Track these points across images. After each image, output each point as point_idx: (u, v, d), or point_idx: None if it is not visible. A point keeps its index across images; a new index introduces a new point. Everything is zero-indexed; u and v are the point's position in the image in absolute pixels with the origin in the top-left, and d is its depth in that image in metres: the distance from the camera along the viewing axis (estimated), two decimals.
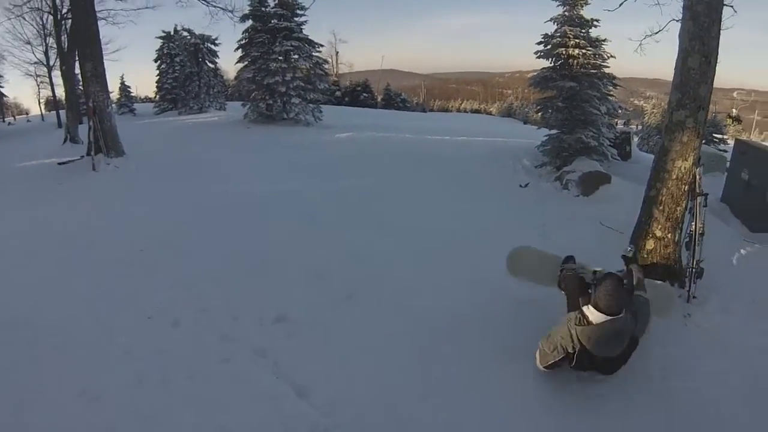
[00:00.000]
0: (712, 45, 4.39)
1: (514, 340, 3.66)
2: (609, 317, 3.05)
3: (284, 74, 16.16)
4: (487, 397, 3.21)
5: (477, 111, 53.23)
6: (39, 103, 33.01)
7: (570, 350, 3.14)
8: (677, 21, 4.65)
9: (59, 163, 10.03)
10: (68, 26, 16.02)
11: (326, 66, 18.80)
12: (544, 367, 3.30)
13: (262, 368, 3.43)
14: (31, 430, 2.87)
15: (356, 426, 2.94)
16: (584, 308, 3.17)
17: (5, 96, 24.57)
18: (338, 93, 38.52)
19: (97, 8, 10.84)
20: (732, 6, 5.25)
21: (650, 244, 4.59)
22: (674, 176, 4.47)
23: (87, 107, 10.38)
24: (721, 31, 4.49)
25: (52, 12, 17.41)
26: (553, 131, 10.12)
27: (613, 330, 3.08)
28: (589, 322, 3.09)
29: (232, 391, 3.19)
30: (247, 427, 2.91)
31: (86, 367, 3.40)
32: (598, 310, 3.07)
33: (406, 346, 3.69)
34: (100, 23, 10.91)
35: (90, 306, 4.22)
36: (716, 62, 4.46)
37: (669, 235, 4.58)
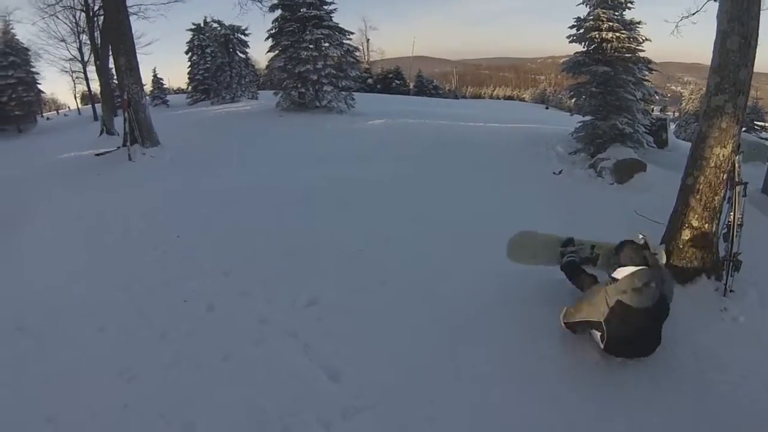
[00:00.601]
0: (752, 25, 4.19)
1: (543, 324, 3.66)
2: (637, 268, 3.23)
3: (315, 62, 16.25)
4: (516, 379, 3.22)
5: (510, 97, 52.54)
6: (75, 97, 34.25)
7: (595, 318, 3.22)
8: (715, 1, 4.45)
9: (96, 155, 10.41)
10: (100, 22, 16.46)
11: (357, 53, 18.82)
12: (564, 324, 3.41)
13: (295, 350, 3.51)
14: (73, 409, 2.99)
15: (386, 407, 2.99)
16: (614, 274, 3.33)
17: (43, 93, 25.36)
18: (370, 80, 38.61)
19: (128, 3, 11.14)
20: None
21: (686, 234, 4.45)
22: (712, 164, 4.31)
23: (122, 100, 10.70)
24: (762, 11, 4.29)
25: (84, 9, 17.95)
26: (587, 117, 9.91)
27: (644, 276, 3.20)
28: (619, 279, 3.26)
29: (265, 373, 3.28)
30: (280, 408, 2.98)
31: (123, 349, 3.55)
32: (624, 266, 3.28)
33: (435, 331, 3.70)
34: (132, 18, 11.23)
35: (127, 290, 4.41)
36: (756, 44, 4.26)
37: (706, 225, 4.43)
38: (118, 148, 10.52)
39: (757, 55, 4.30)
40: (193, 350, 3.53)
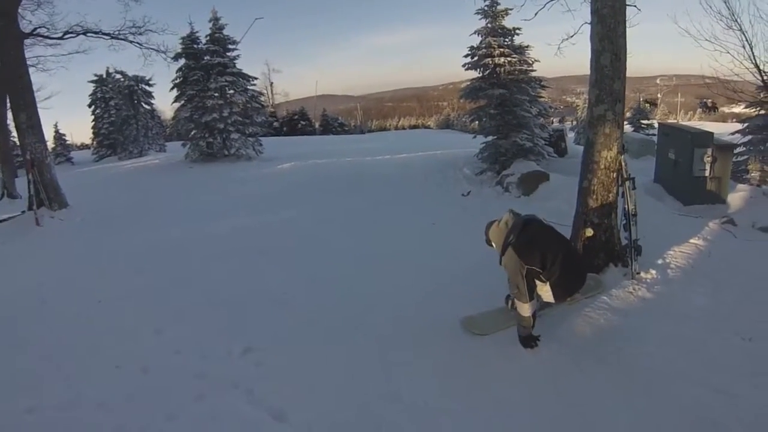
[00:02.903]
0: (620, 43, 4.85)
1: (472, 336, 4.02)
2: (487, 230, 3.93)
3: (221, 110, 16.13)
4: (450, 388, 3.42)
5: (415, 126, 53.73)
6: None
7: (523, 271, 3.60)
8: (589, 24, 5.09)
9: None
10: None
11: (262, 98, 18.86)
12: (529, 300, 3.66)
13: (238, 399, 3.47)
14: None
15: None
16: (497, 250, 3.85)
17: None
18: (276, 124, 38.55)
19: (26, 56, 10.49)
20: (635, 6, 5.84)
21: (589, 232, 4.94)
22: (602, 166, 4.86)
23: (24, 160, 10.00)
24: (629, 29, 4.96)
25: None
26: (489, 138, 10.54)
27: (493, 221, 3.88)
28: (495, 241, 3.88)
29: (211, 427, 3.21)
30: None
31: (60, 427, 3.32)
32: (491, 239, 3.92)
33: (370, 359, 3.84)
34: (30, 70, 10.52)
35: (56, 364, 4.10)
36: (626, 58, 4.92)
37: (605, 221, 4.96)
38: (23, 212, 9.75)
39: (634, 64, 4.97)
40: (135, 417, 3.36)
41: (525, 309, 3.67)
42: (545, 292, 3.73)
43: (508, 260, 3.69)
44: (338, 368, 3.75)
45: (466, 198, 8.91)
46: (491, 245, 3.97)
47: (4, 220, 9.58)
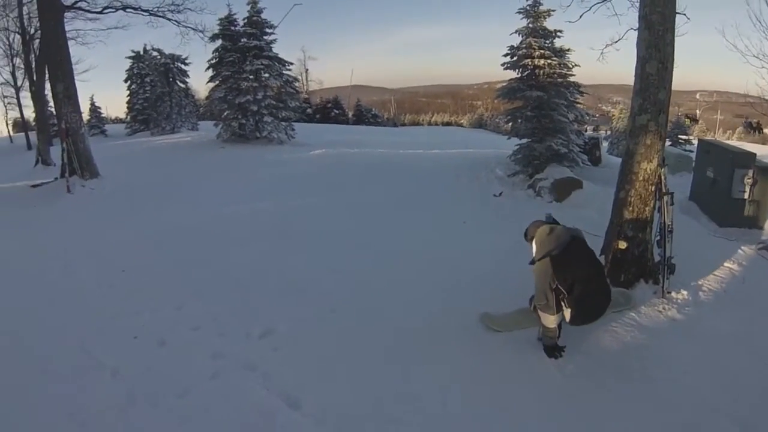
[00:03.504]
0: (668, 51, 4.65)
1: (492, 337, 3.93)
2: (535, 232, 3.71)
3: (255, 93, 16.19)
4: (468, 393, 3.32)
5: (448, 123, 53.46)
6: (6, 124, 32.14)
7: (552, 284, 3.48)
8: (635, 30, 4.92)
9: (32, 186, 9.85)
10: (36, 46, 15.78)
11: (297, 84, 18.88)
12: (557, 312, 3.55)
13: (253, 382, 3.45)
14: None
15: (349, 429, 3.01)
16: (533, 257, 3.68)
17: None
18: (309, 110, 38.56)
19: (66, 28, 10.73)
20: (685, 14, 5.61)
21: (623, 244, 4.77)
22: (641, 178, 4.68)
23: (59, 129, 10.24)
24: (677, 38, 4.76)
25: (19, 31, 17.06)
26: (524, 140, 10.32)
27: (544, 227, 3.69)
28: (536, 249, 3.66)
29: (224, 407, 3.20)
30: None
31: (73, 391, 3.36)
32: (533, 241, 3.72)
33: (388, 352, 3.80)
34: (69, 43, 10.76)
35: (75, 329, 4.18)
36: (673, 67, 4.72)
37: (640, 235, 4.78)
38: (56, 179, 10.02)
39: (675, 76, 4.75)
40: (147, 388, 3.38)
41: (550, 321, 3.58)
42: (565, 313, 3.62)
43: (541, 269, 3.58)
44: (354, 361, 3.69)
45: (498, 199, 8.76)
46: (529, 242, 3.87)
47: (38, 185, 9.85)
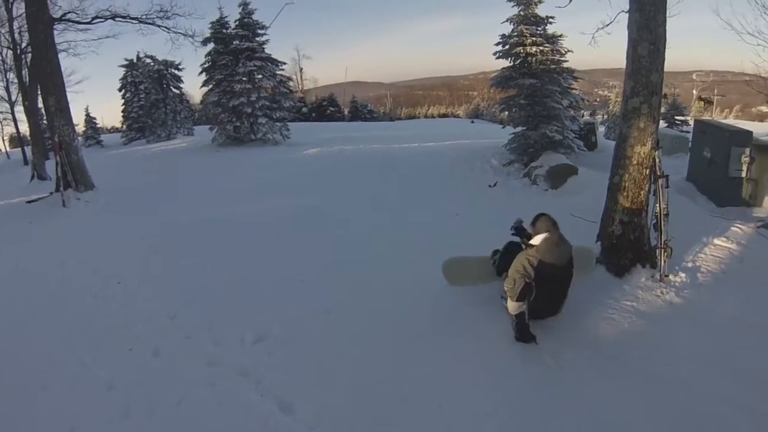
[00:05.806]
0: (659, 32, 4.58)
1: (491, 333, 3.86)
2: (547, 233, 3.64)
3: (249, 95, 16.21)
4: (464, 391, 3.28)
5: (444, 115, 53.56)
6: (2, 140, 32.20)
7: (528, 279, 3.57)
8: (626, 12, 4.83)
9: (28, 202, 9.82)
10: (28, 60, 15.77)
11: (291, 83, 18.93)
12: (517, 300, 3.60)
13: (247, 388, 3.42)
14: None
15: None
16: (530, 242, 3.75)
17: None
18: (304, 109, 38.56)
19: (57, 40, 10.73)
20: None
21: (618, 230, 4.72)
22: (635, 162, 4.62)
23: (53, 142, 10.20)
24: (669, 18, 4.68)
25: (11, 47, 17.05)
26: (519, 129, 10.30)
27: (558, 237, 3.68)
28: (536, 245, 3.68)
29: (219, 414, 3.17)
30: None
31: (69, 406, 3.33)
32: (539, 233, 3.68)
33: (382, 355, 3.74)
34: (61, 55, 10.83)
35: (71, 342, 4.15)
36: (665, 48, 4.65)
37: (635, 219, 4.72)
38: (51, 193, 9.96)
39: (670, 57, 4.68)
40: (143, 399, 3.35)
41: (513, 307, 3.63)
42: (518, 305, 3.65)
43: (523, 258, 3.65)
44: (350, 363, 3.65)
45: (493, 189, 8.70)
46: (531, 230, 3.85)
47: (34, 200, 9.82)
